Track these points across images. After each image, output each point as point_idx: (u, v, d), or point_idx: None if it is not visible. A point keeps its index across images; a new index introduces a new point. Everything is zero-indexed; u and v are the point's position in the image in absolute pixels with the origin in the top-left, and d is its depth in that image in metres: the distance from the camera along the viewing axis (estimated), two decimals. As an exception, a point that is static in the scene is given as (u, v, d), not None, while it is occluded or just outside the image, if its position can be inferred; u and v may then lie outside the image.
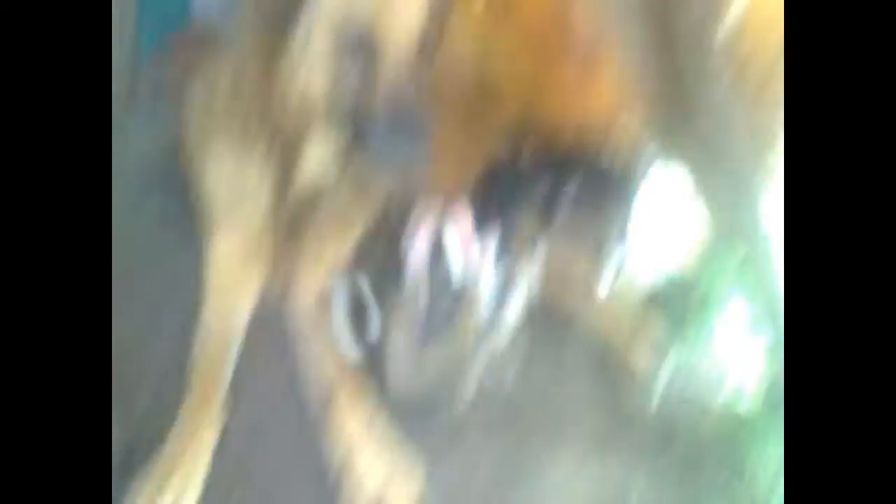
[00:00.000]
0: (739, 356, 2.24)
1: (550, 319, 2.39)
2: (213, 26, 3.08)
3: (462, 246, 2.17)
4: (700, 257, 2.56)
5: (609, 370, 2.30)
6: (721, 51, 1.74)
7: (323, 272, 2.22)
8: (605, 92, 2.44)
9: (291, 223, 2.03)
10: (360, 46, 1.76)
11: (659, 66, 1.92)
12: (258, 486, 1.80)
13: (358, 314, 2.17)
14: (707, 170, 2.11)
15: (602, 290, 2.47)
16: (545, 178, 2.46)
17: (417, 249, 2.15)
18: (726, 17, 1.79)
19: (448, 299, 2.15)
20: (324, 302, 2.19)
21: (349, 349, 2.12)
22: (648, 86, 1.99)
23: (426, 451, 1.90)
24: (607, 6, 1.88)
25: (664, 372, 2.19)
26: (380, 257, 2.23)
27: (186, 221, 2.22)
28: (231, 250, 2.10)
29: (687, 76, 1.77)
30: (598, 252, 2.57)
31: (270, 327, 2.23)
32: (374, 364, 2.12)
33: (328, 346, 2.11)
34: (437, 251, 2.16)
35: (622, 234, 2.57)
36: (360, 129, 1.78)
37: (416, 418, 2.00)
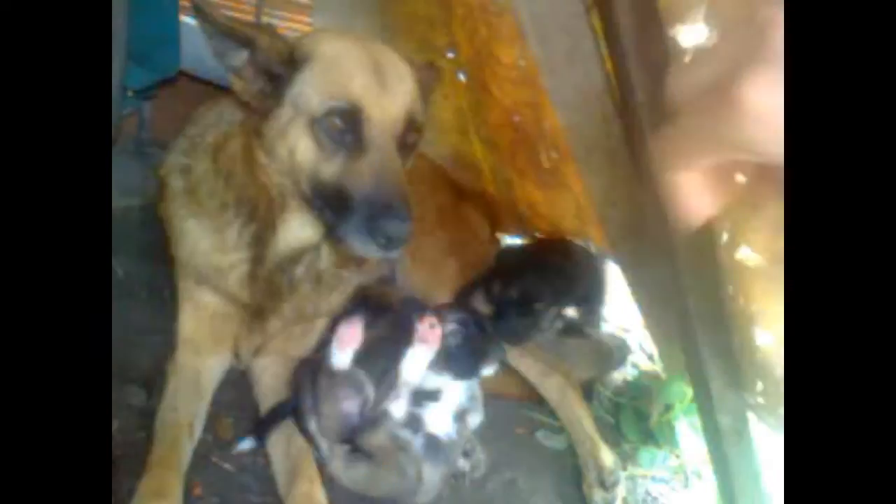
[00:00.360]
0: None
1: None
2: (201, 80, 3.13)
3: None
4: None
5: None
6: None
7: (300, 333, 2.20)
8: (576, 203, 2.48)
9: (272, 281, 2.00)
10: (347, 126, 1.76)
11: (621, 198, 1.89)
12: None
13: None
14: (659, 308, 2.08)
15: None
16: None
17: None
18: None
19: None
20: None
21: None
22: (608, 214, 1.96)
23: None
24: (571, 134, 1.87)
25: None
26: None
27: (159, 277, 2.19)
28: (207, 307, 2.07)
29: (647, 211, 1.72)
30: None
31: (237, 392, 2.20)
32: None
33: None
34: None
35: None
36: (344, 205, 1.76)
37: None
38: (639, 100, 1.29)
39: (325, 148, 1.77)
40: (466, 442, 2.13)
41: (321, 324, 2.25)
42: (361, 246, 1.77)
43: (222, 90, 2.12)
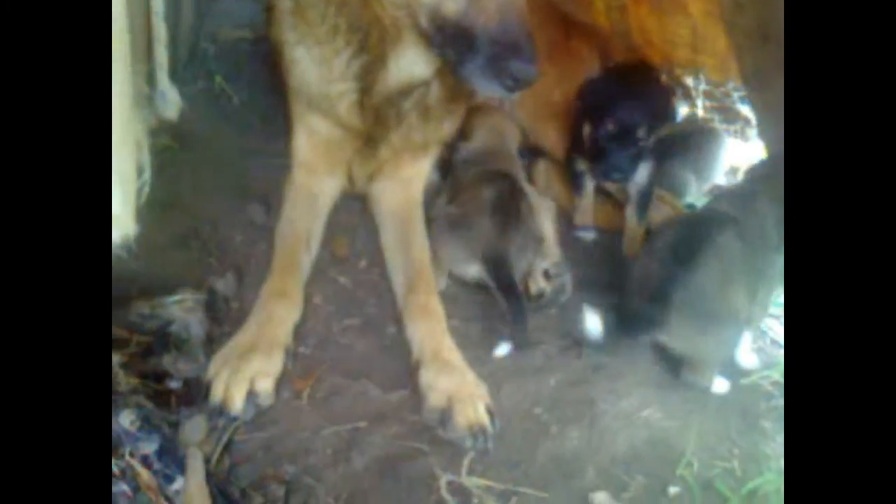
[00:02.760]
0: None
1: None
2: None
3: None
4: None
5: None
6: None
7: (410, 159, 2.20)
8: (690, 27, 2.32)
9: (379, 111, 2.00)
10: None
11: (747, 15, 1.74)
12: (337, 371, 1.80)
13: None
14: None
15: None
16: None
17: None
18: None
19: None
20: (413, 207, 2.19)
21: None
22: (738, 20, 1.82)
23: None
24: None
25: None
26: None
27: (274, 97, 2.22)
28: (320, 132, 2.09)
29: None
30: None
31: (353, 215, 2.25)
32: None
33: (411, 240, 2.10)
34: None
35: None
36: (468, 44, 1.69)
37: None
38: None
39: None
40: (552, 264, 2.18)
41: (434, 150, 2.25)
42: (488, 86, 1.74)
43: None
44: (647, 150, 2.26)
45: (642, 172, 2.31)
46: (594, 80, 2.36)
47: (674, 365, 1.99)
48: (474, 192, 2.15)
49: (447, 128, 2.20)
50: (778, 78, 1.73)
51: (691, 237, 1.94)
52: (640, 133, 2.21)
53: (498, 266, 2.00)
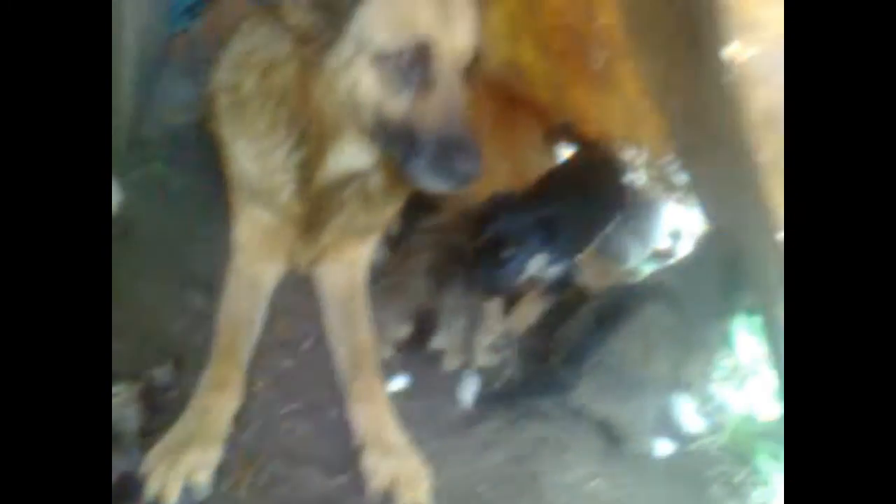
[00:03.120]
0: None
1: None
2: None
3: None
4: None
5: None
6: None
7: (353, 242, 2.21)
8: (626, 105, 2.41)
9: (320, 200, 2.01)
10: (415, 64, 1.71)
11: (680, 82, 1.81)
12: (278, 458, 1.78)
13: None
14: (724, 196, 2.03)
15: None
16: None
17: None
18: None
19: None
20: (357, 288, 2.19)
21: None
22: (669, 101, 1.89)
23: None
24: (630, 17, 1.80)
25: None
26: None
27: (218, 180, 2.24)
28: (260, 220, 2.10)
29: (709, 94, 1.65)
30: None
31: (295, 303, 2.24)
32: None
33: (355, 321, 2.10)
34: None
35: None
36: (412, 143, 1.73)
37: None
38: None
39: (391, 85, 1.72)
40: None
41: (377, 233, 2.27)
42: (432, 182, 1.77)
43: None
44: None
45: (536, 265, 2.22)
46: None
47: (614, 435, 2.00)
48: (415, 258, 2.21)
49: (390, 211, 2.22)
50: (709, 152, 1.80)
51: (619, 305, 1.99)
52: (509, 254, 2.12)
53: (427, 323, 2.08)
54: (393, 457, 1.75)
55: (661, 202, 2.80)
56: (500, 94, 2.84)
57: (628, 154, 2.76)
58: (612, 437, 1.99)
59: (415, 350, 2.13)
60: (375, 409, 1.84)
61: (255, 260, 2.12)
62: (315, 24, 1.72)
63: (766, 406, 2.16)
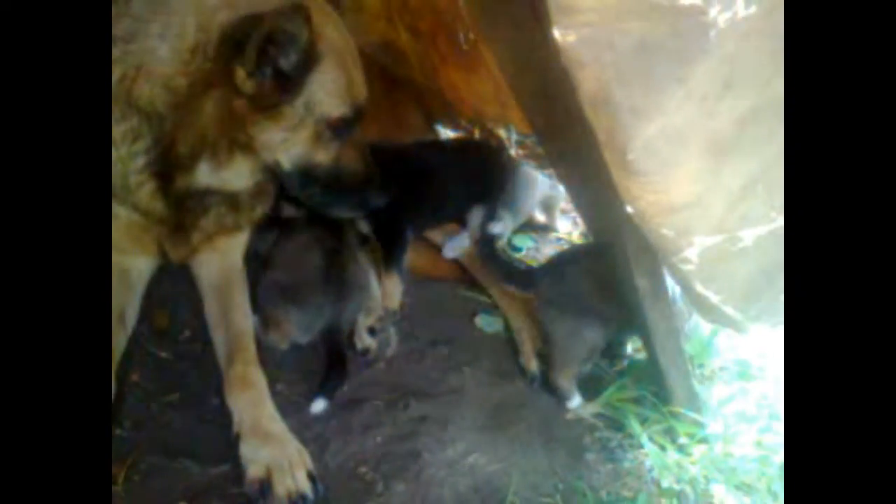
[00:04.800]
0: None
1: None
2: None
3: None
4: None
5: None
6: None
7: (226, 237, 2.18)
8: (496, 85, 2.46)
9: (183, 202, 1.95)
10: (351, 122, 1.90)
11: (531, 62, 1.86)
12: (155, 451, 1.78)
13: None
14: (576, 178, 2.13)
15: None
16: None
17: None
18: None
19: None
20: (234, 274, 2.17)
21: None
22: (522, 82, 1.94)
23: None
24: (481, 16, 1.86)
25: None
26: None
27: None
28: (120, 217, 1.97)
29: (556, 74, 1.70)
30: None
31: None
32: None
33: (233, 310, 2.07)
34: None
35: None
36: (335, 185, 1.95)
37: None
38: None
39: (324, 140, 1.86)
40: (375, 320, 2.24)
41: (250, 227, 2.24)
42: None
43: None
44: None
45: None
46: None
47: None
48: (303, 259, 2.18)
49: (260, 210, 2.20)
50: (567, 130, 1.84)
51: None
52: None
53: (333, 335, 2.10)
54: (270, 444, 1.75)
55: (530, 172, 2.85)
56: (381, 75, 2.83)
57: (502, 132, 2.80)
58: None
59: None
60: (252, 397, 1.84)
61: (124, 254, 2.04)
62: (267, 91, 1.74)
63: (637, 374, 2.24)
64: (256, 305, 2.13)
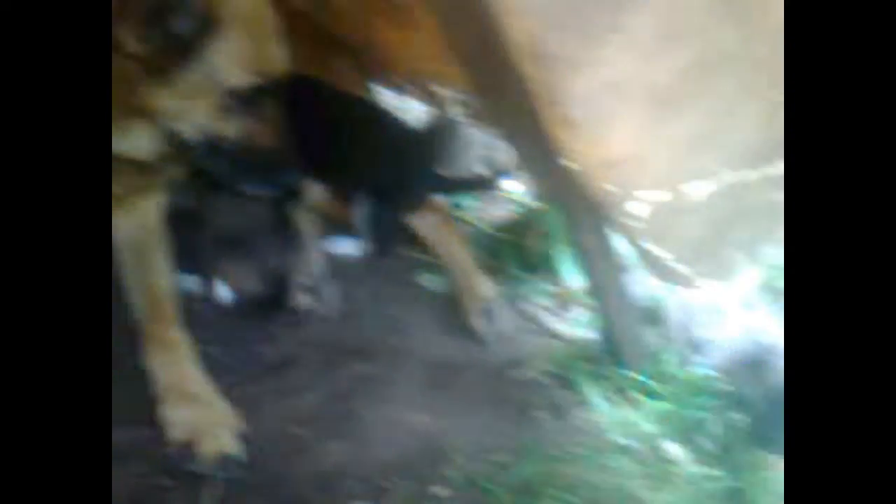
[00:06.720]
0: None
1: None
2: None
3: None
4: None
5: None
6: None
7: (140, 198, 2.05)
8: (433, 42, 2.37)
9: None
10: (262, 93, 1.73)
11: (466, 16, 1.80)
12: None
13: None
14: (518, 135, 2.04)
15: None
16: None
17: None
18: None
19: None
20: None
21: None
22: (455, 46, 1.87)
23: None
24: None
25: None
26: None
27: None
28: None
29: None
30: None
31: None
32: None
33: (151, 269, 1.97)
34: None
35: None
36: (244, 159, 1.78)
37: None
38: None
39: (232, 112, 1.71)
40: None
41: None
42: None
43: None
44: None
45: None
46: None
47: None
48: (245, 207, 2.14)
49: (176, 170, 2.05)
50: (505, 85, 1.78)
51: None
52: None
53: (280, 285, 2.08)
54: (193, 406, 1.68)
55: (471, 133, 2.78)
56: (315, 33, 2.73)
57: (440, 90, 2.71)
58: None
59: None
60: (172, 358, 1.75)
61: None
62: (158, 56, 1.61)
63: (585, 332, 2.19)
64: (195, 262, 2.06)
